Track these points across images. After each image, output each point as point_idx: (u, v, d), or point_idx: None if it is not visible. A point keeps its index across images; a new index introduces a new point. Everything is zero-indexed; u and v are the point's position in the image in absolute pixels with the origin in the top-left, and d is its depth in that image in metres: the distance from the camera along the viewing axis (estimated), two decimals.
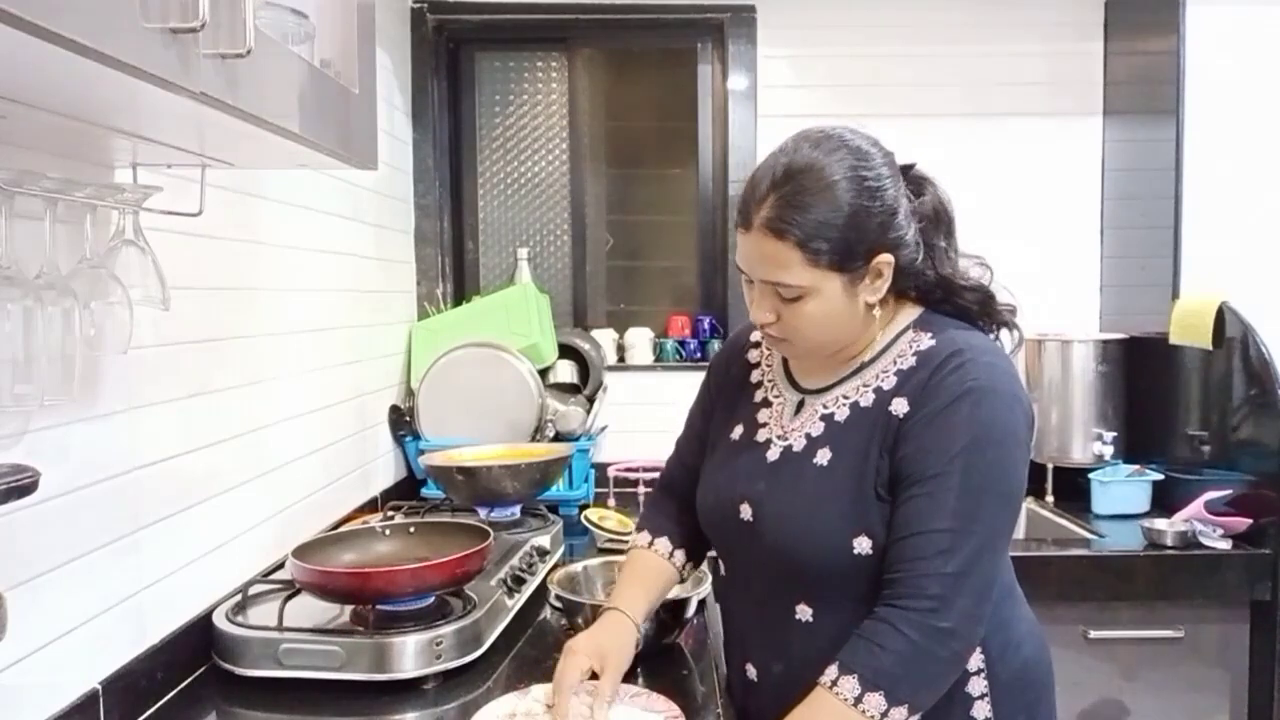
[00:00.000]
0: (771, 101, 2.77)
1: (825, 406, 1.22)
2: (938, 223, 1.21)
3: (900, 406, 1.15)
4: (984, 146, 2.76)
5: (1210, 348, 2.23)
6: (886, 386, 1.17)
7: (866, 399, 1.18)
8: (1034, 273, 2.62)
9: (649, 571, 1.36)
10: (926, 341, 1.18)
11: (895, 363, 1.19)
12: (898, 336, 1.21)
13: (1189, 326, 2.28)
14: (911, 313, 1.23)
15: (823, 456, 1.18)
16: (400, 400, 2.52)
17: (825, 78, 2.76)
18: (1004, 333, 1.24)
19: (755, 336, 1.37)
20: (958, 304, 1.22)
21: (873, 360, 1.21)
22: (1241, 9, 2.33)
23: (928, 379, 1.14)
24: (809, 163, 1.13)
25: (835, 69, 2.76)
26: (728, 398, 1.36)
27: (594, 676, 1.21)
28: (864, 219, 1.12)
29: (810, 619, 1.18)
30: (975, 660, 1.17)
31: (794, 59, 2.77)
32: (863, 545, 1.13)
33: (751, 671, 1.27)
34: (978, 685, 1.18)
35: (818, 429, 1.21)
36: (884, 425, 1.15)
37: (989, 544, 1.10)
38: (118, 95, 0.79)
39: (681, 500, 1.40)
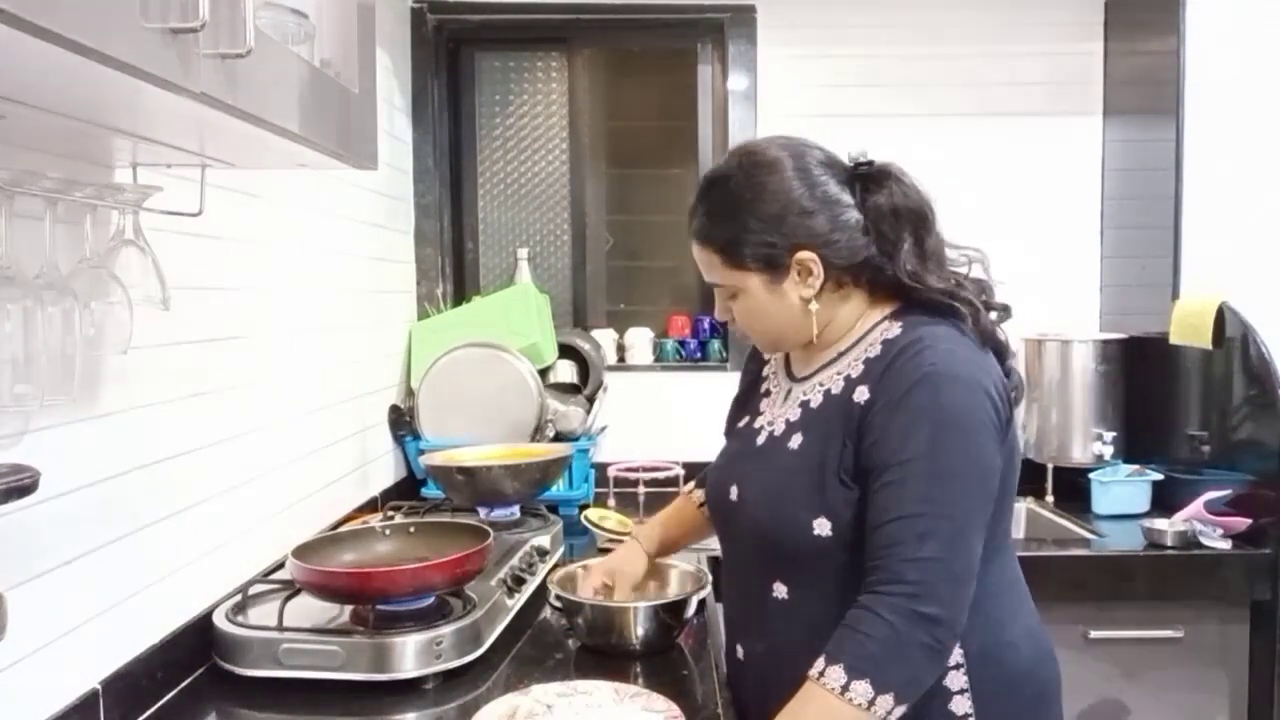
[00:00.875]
0: (771, 101, 2.77)
1: (805, 393, 1.27)
2: (897, 220, 1.22)
3: (862, 394, 1.18)
4: (984, 146, 2.76)
5: (1210, 348, 2.23)
6: (854, 374, 1.21)
7: (837, 386, 1.23)
8: (1034, 273, 2.62)
9: (676, 513, 1.59)
10: (895, 330, 1.22)
11: (865, 351, 1.22)
12: (874, 326, 1.24)
13: (1189, 326, 2.28)
14: (891, 304, 1.25)
15: (795, 441, 1.23)
16: (400, 400, 2.52)
17: (825, 78, 2.76)
18: (980, 318, 1.21)
19: None
20: (925, 299, 1.22)
21: (849, 349, 1.25)
22: (1241, 9, 2.33)
23: (888, 366, 1.17)
24: (723, 174, 1.26)
25: (835, 69, 2.76)
26: (747, 391, 1.44)
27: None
28: (775, 222, 1.20)
29: (785, 597, 1.23)
30: (955, 655, 1.16)
31: (794, 59, 2.77)
32: (822, 527, 1.16)
33: (740, 651, 1.32)
34: (956, 680, 1.17)
35: (795, 414, 1.26)
36: (847, 412, 1.18)
37: (964, 530, 1.11)
38: (118, 95, 0.79)
39: None
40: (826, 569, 1.18)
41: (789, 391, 1.31)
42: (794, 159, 1.23)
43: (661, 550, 1.57)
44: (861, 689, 1.05)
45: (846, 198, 1.23)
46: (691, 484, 1.61)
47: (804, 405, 1.26)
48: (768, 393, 1.37)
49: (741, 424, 1.38)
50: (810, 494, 1.18)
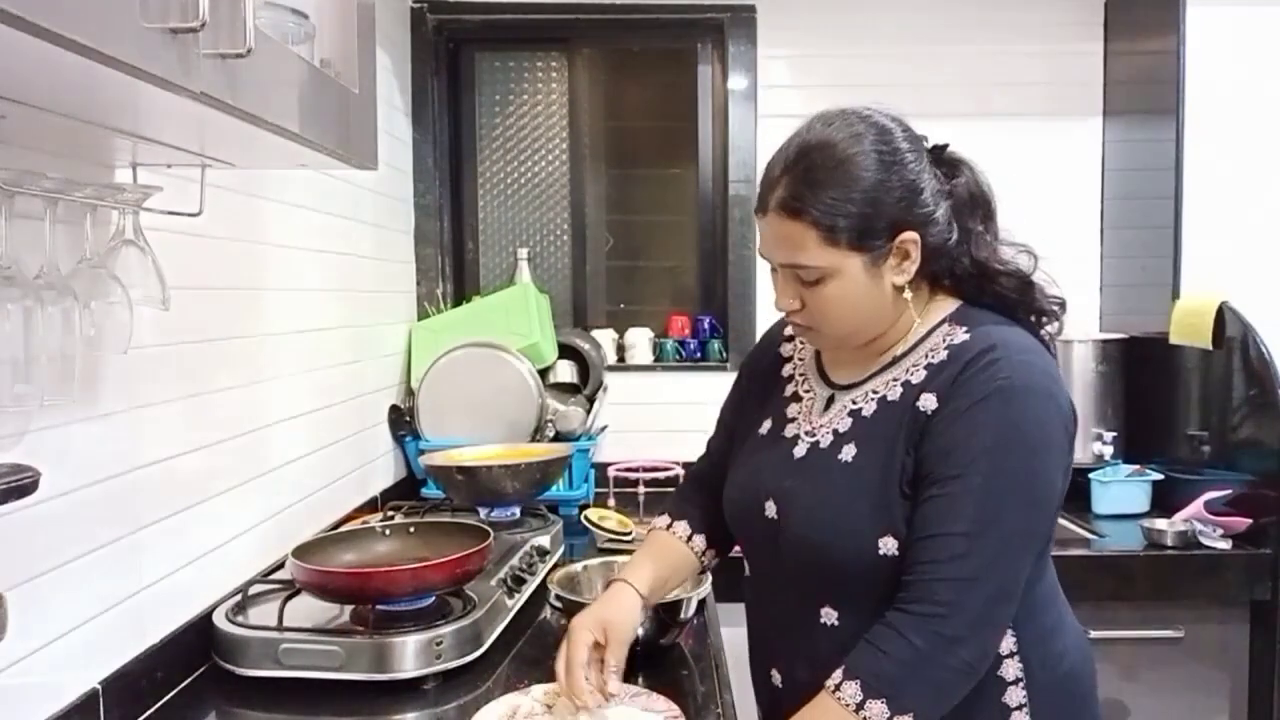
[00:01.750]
0: (771, 101, 2.77)
1: (854, 402, 1.18)
2: (973, 206, 1.17)
3: (929, 402, 1.10)
4: (984, 147, 2.71)
5: (1210, 348, 2.23)
6: (915, 380, 1.13)
7: (894, 393, 1.14)
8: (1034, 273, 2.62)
9: (661, 550, 1.35)
10: (961, 335, 1.13)
11: (927, 356, 1.14)
12: (933, 330, 1.16)
13: (1189, 326, 2.28)
14: (949, 305, 1.19)
15: (848, 453, 1.14)
16: (400, 400, 2.52)
17: (825, 78, 2.76)
18: (1045, 322, 1.19)
19: (789, 330, 1.34)
20: (995, 291, 1.17)
21: (905, 354, 1.17)
22: (1241, 9, 2.33)
23: (958, 374, 1.09)
24: (822, 140, 1.11)
25: (835, 69, 2.76)
26: (759, 392, 1.33)
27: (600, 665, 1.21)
28: (882, 194, 1.09)
29: (836, 622, 1.15)
30: (1013, 670, 1.12)
31: (794, 59, 2.77)
32: (888, 545, 1.09)
33: (776, 677, 1.23)
34: (1015, 695, 1.13)
35: (845, 424, 1.17)
36: (911, 421, 1.11)
37: (1009, 550, 1.05)
38: (118, 95, 0.79)
39: (709, 492, 1.37)
40: (885, 589, 1.09)
41: (830, 399, 1.22)
42: (902, 128, 1.14)
43: (653, 593, 1.30)
44: (877, 709, 1.02)
45: (935, 179, 1.15)
46: (666, 518, 1.38)
47: (855, 414, 1.16)
48: (796, 397, 1.26)
49: (764, 430, 1.26)
50: (874, 510, 1.10)
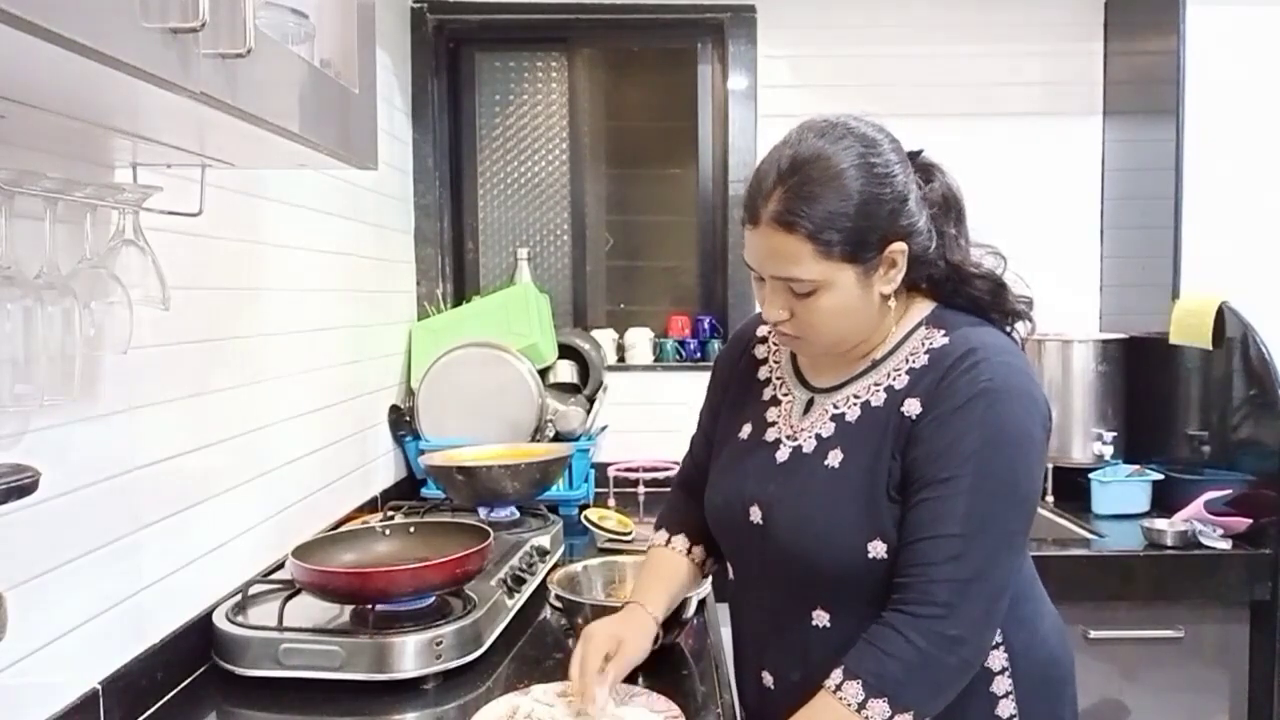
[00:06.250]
0: (771, 101, 2.77)
1: (835, 406, 1.19)
2: (947, 209, 1.18)
3: (913, 407, 1.12)
4: (984, 147, 2.76)
5: (1210, 348, 2.23)
6: (898, 386, 1.15)
7: (878, 398, 1.16)
8: (1034, 273, 2.61)
9: (667, 568, 1.36)
10: (940, 339, 1.15)
11: (907, 361, 1.16)
12: (910, 333, 1.18)
13: (1189, 326, 2.28)
14: (924, 308, 1.20)
15: (834, 458, 1.15)
16: (400, 400, 2.52)
17: (825, 78, 2.76)
18: (1018, 324, 1.21)
19: (762, 331, 1.34)
20: (969, 294, 1.19)
21: (884, 358, 1.18)
22: (1241, 9, 2.33)
23: (940, 379, 1.11)
24: (815, 152, 1.10)
25: (835, 69, 2.76)
26: (735, 395, 1.33)
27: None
28: (875, 207, 1.10)
29: (827, 624, 1.16)
30: (999, 659, 1.16)
31: (794, 59, 2.77)
32: (877, 549, 1.10)
33: (767, 679, 1.24)
34: (1002, 684, 1.16)
35: (828, 429, 1.18)
36: (896, 426, 1.13)
37: (1001, 549, 1.08)
38: (118, 95, 0.79)
39: (700, 498, 1.37)
40: (876, 591, 1.11)
41: (809, 402, 1.22)
42: (888, 139, 1.14)
43: (665, 614, 1.32)
44: (879, 708, 1.03)
45: (918, 187, 1.15)
46: (664, 534, 1.39)
47: (838, 419, 1.18)
48: (775, 400, 1.26)
49: (744, 434, 1.27)
50: (862, 515, 1.11)
